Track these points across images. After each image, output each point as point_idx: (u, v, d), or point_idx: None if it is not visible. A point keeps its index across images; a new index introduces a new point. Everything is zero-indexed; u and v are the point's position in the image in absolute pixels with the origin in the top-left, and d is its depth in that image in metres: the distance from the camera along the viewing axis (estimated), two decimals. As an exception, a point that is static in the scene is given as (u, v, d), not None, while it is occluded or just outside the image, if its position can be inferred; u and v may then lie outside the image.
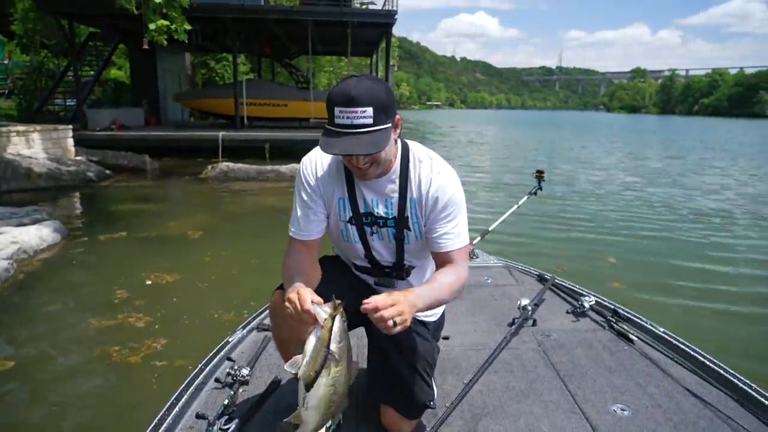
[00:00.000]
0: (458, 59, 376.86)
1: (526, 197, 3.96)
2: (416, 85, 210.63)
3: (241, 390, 1.91)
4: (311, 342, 1.23)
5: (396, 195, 1.55)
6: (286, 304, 1.32)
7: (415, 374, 1.60)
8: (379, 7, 15.91)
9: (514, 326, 2.45)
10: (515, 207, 3.94)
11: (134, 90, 18.97)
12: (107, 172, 10.56)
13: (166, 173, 11.46)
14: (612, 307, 2.64)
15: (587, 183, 11.64)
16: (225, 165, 10.73)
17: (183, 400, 1.81)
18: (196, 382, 1.93)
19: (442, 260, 1.54)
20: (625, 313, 2.56)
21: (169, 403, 1.79)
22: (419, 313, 1.62)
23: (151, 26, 7.20)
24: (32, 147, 10.07)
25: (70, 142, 10.96)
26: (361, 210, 1.58)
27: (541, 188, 3.94)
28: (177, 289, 4.21)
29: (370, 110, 1.31)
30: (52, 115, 16.16)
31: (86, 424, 2.50)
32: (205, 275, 4.61)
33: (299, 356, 1.24)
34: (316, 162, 1.59)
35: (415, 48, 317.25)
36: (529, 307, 2.56)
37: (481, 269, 3.33)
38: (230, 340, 2.29)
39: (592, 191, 10.42)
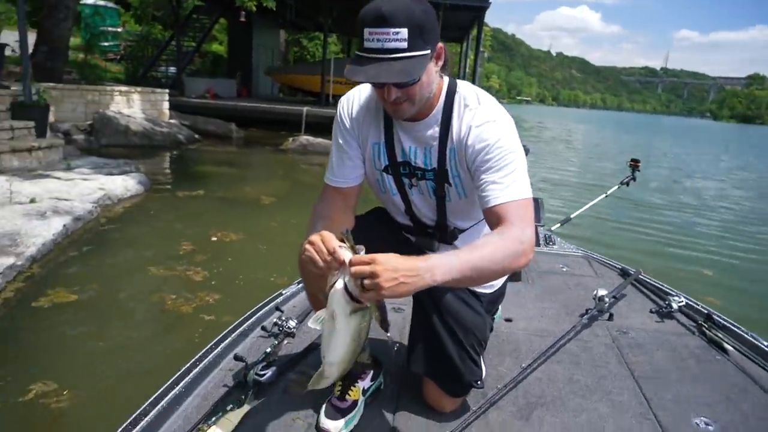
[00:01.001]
0: (554, 54, 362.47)
1: (616, 186, 3.66)
2: (506, 79, 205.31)
3: (286, 341, 1.86)
4: (337, 290, 1.09)
5: (436, 143, 1.34)
6: (306, 246, 1.14)
7: (461, 349, 1.41)
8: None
9: (586, 316, 2.22)
10: (603, 196, 3.67)
11: (230, 62, 19.77)
12: (196, 136, 11.04)
13: (250, 142, 11.82)
14: (705, 311, 2.30)
15: (686, 192, 10.65)
16: (305, 138, 10.89)
17: (226, 341, 1.79)
18: (242, 328, 1.90)
19: (492, 220, 1.26)
20: (721, 320, 2.22)
21: (212, 343, 1.77)
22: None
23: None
24: (132, 107, 10.71)
25: (166, 105, 11.55)
26: (399, 159, 1.39)
27: (634, 178, 3.63)
28: (239, 249, 4.26)
29: (404, 32, 1.11)
30: (155, 80, 17.13)
31: (130, 363, 2.54)
32: (269, 238, 4.65)
33: (322, 311, 1.14)
34: (353, 101, 1.42)
35: (510, 40, 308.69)
36: (607, 299, 2.29)
37: (556, 256, 3.12)
38: (284, 292, 2.25)
39: (691, 201, 9.50)
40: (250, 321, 1.97)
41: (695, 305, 2.38)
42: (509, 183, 1.24)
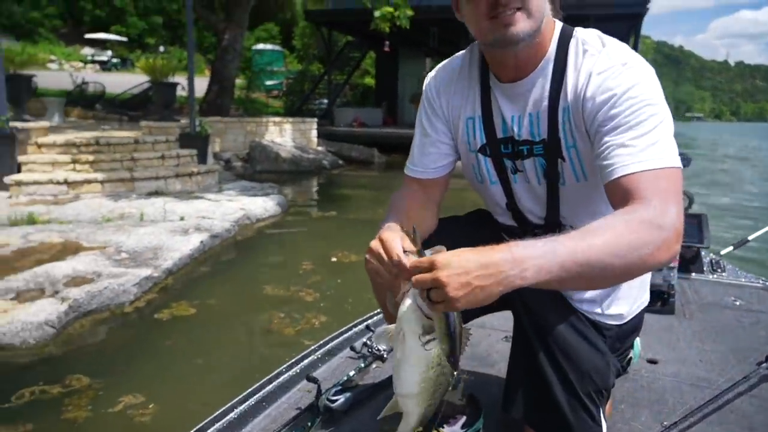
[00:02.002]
0: (732, 64, 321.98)
1: None
2: (673, 95, 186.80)
3: (374, 365, 1.69)
4: (406, 306, 0.86)
5: (545, 105, 1.02)
6: (366, 256, 0.94)
7: (572, 397, 1.05)
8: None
9: (766, 365, 1.68)
10: None
11: (377, 92, 20.62)
12: (340, 162, 11.53)
13: (391, 167, 12.01)
14: None
15: None
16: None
17: (307, 361, 1.69)
18: (329, 346, 1.79)
19: (617, 197, 0.88)
20: None
21: (292, 360, 1.67)
22: (591, 312, 1.09)
23: (377, 13, 7.53)
24: (283, 136, 11.55)
25: (314, 133, 12.29)
26: (499, 135, 1.10)
27: None
28: (355, 270, 4.17)
29: None
30: (309, 112, 18.49)
31: (220, 381, 2.53)
32: None
33: (391, 326, 0.92)
34: (440, 75, 1.18)
35: (677, 53, 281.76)
36: None
37: (726, 286, 2.52)
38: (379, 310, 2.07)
39: None
40: (338, 340, 1.84)
41: None
42: (644, 146, 0.87)
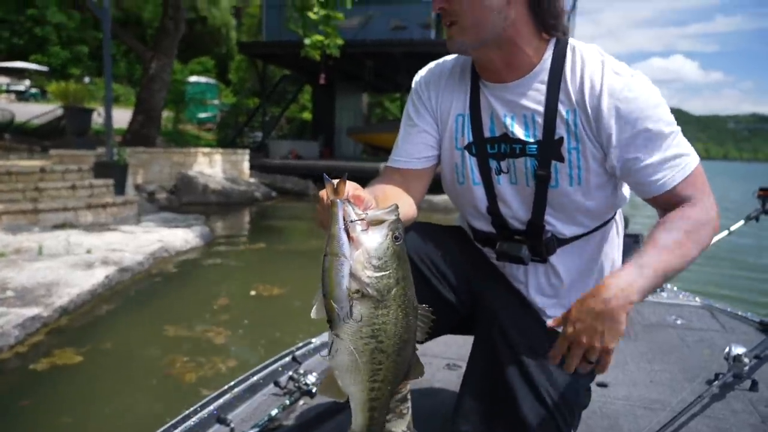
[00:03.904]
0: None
1: (742, 222, 3.02)
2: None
3: (301, 402, 1.53)
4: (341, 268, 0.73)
5: (541, 108, 1.05)
6: (318, 207, 0.81)
7: (542, 418, 1.00)
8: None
9: (716, 383, 1.63)
10: (725, 233, 3.01)
11: (314, 125, 20.53)
12: (273, 193, 11.18)
13: (326, 199, 11.80)
14: None
15: None
16: (379, 192, 10.66)
17: (223, 399, 1.49)
18: (250, 381, 1.60)
19: (665, 204, 1.03)
20: None
21: (208, 398, 1.48)
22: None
23: (307, 41, 7.43)
24: (214, 167, 11.10)
25: (246, 165, 11.91)
26: (487, 133, 1.11)
27: (765, 212, 2.91)
28: (275, 305, 3.88)
29: None
30: (245, 145, 18.07)
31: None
32: (313, 290, 4.19)
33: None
34: (433, 69, 1.20)
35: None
36: (746, 359, 1.65)
37: (667, 306, 2.57)
38: (313, 340, 1.95)
39: None
40: (260, 375, 1.65)
41: None
42: (679, 153, 1.01)
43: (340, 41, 7.62)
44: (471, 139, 1.11)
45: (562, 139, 1.03)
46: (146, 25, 23.16)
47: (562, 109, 1.03)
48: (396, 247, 0.75)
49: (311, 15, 7.02)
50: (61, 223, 5.73)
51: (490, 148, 1.10)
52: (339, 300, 0.73)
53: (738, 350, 1.67)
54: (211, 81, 24.44)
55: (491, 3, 0.97)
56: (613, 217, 1.16)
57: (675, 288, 2.80)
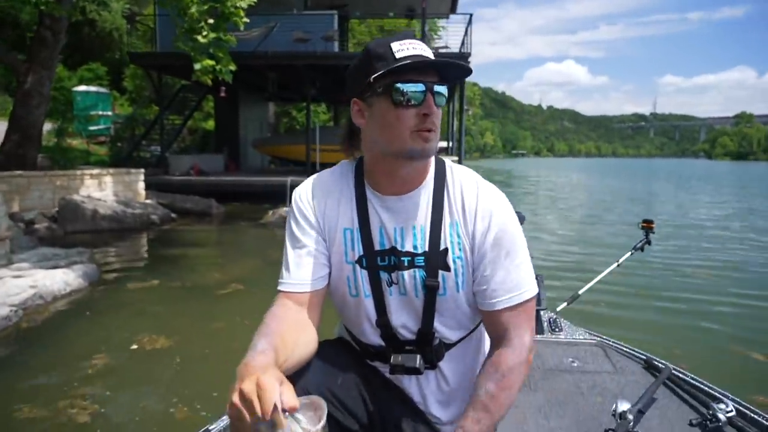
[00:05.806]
0: (545, 108, 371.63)
1: (629, 253, 3.18)
2: (501, 135, 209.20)
3: None
4: None
5: (427, 221, 1.12)
6: (234, 400, 0.79)
7: None
8: (454, 50, 15.50)
9: None
10: (614, 265, 3.19)
11: (217, 137, 19.76)
12: (172, 215, 10.57)
13: (231, 218, 11.33)
14: (765, 422, 1.68)
15: (703, 246, 8.86)
16: (285, 210, 10.41)
17: None
18: None
19: (494, 323, 1.12)
20: None
21: None
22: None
23: (197, 66, 7.07)
24: (104, 190, 10.31)
25: (141, 185, 11.18)
26: (377, 246, 1.14)
27: (649, 242, 3.17)
28: (161, 363, 3.47)
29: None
30: (142, 160, 16.95)
31: None
32: (207, 345, 3.82)
33: None
34: (313, 188, 1.18)
35: (501, 97, 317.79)
36: (630, 415, 1.68)
37: (565, 347, 2.53)
38: (211, 429, 1.72)
39: (720, 257, 7.77)
40: None
41: (749, 413, 1.77)
42: (519, 279, 1.10)
43: (232, 66, 7.28)
44: (362, 252, 1.14)
45: (446, 249, 1.11)
46: (25, 28, 21.10)
47: (446, 221, 1.11)
48: None
49: (200, 39, 6.66)
50: None
51: (380, 261, 1.14)
52: None
53: (623, 405, 1.67)
54: (103, 90, 22.74)
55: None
56: None
57: (573, 325, 2.77)
